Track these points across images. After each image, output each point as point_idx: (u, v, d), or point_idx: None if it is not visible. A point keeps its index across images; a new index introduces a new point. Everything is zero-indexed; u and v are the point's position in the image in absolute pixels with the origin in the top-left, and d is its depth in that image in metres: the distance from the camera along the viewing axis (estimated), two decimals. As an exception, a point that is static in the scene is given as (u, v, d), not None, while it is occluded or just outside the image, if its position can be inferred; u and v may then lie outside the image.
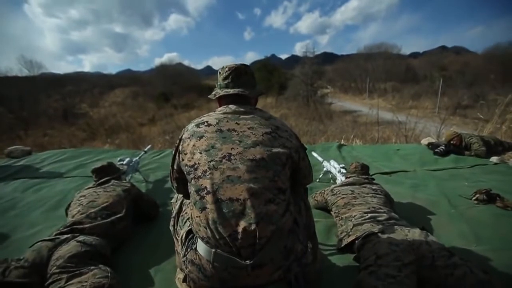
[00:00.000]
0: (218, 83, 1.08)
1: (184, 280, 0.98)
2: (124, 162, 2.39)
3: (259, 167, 0.86)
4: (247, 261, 0.79)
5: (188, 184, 0.91)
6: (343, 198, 1.66)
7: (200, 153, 0.88)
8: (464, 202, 1.95)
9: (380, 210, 1.51)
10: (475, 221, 1.71)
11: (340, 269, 1.34)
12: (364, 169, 1.98)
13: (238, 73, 1.04)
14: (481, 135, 3.24)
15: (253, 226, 0.79)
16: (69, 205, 1.70)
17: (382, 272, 1.08)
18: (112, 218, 1.51)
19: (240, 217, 0.80)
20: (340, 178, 2.13)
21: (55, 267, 1.15)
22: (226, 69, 1.05)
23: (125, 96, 21.14)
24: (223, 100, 1.05)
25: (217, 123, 0.94)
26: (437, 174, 2.55)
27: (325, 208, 1.85)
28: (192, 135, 0.93)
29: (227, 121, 0.94)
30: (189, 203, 1.05)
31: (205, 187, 0.84)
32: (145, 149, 3.03)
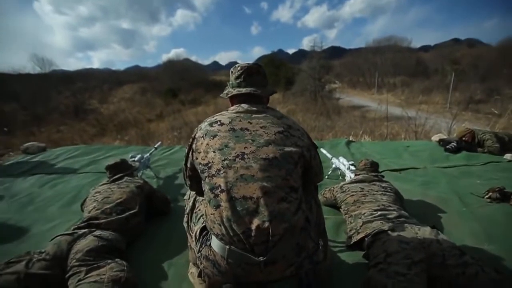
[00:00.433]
0: (230, 82, 1.09)
1: (199, 275, 1.01)
2: (136, 159, 2.44)
3: (272, 166, 0.87)
4: (260, 257, 0.81)
5: (202, 182, 0.93)
6: (353, 195, 1.67)
7: (214, 152, 0.90)
8: (476, 200, 1.93)
9: (390, 208, 1.51)
10: (487, 220, 1.69)
11: (349, 266, 1.36)
12: (373, 166, 1.97)
13: (250, 73, 1.05)
14: (495, 131, 3.16)
15: (266, 224, 0.81)
16: (84, 200, 1.76)
17: (391, 270, 1.09)
18: (127, 213, 1.56)
19: (253, 215, 0.82)
20: (349, 175, 2.13)
21: (74, 260, 1.20)
22: (239, 68, 1.06)
23: (134, 92, 21.39)
24: (235, 99, 1.07)
25: (230, 122, 0.95)
26: (448, 171, 2.52)
27: (334, 205, 1.86)
28: (205, 134, 0.95)
29: (240, 120, 0.96)
30: (202, 200, 1.08)
31: (219, 186, 0.86)
32: (155, 146, 3.08)
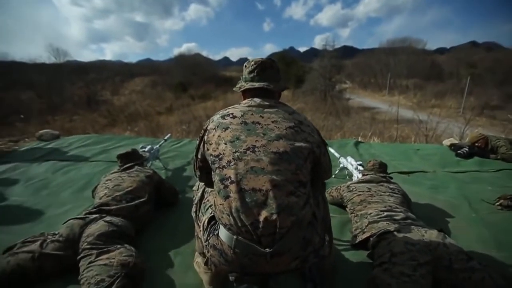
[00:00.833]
0: (243, 76, 1.10)
1: (206, 264, 1.03)
2: (146, 149, 2.49)
3: (282, 160, 0.88)
4: (267, 249, 0.82)
5: (212, 173, 0.95)
6: (359, 195, 1.66)
7: (225, 144, 0.92)
8: (486, 207, 1.89)
9: (396, 209, 1.50)
10: (497, 226, 1.66)
11: (354, 265, 1.36)
12: (382, 167, 1.96)
13: (263, 67, 1.06)
14: (510, 138, 3.08)
15: (274, 216, 0.82)
16: (95, 187, 1.82)
17: (396, 270, 1.09)
18: (136, 201, 1.60)
19: (262, 207, 0.83)
20: (357, 175, 2.12)
21: (86, 243, 1.25)
22: (252, 62, 1.07)
23: (145, 84, 21.66)
24: (248, 93, 1.08)
25: (242, 116, 0.97)
26: (458, 176, 2.47)
27: (340, 204, 1.86)
28: (217, 126, 0.97)
29: (252, 114, 0.97)
30: (211, 191, 1.10)
31: (229, 177, 0.88)
32: (165, 138, 3.13)
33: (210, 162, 0.96)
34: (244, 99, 1.08)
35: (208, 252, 0.95)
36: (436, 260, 1.13)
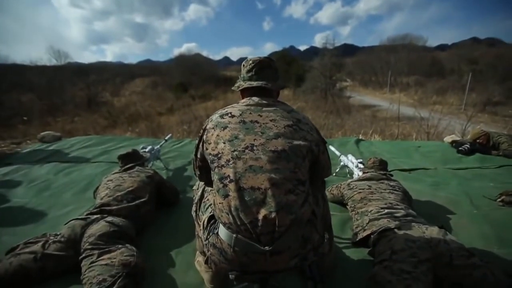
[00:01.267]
0: (242, 76, 1.10)
1: (206, 262, 1.04)
2: (147, 150, 2.50)
3: (280, 158, 0.88)
4: (266, 247, 0.83)
5: (212, 172, 0.96)
6: (360, 192, 1.66)
7: (224, 143, 0.92)
8: (488, 203, 1.89)
9: (397, 207, 1.50)
10: (498, 223, 1.65)
11: (354, 263, 1.36)
12: (382, 164, 1.95)
13: (261, 66, 1.06)
14: (511, 134, 3.06)
15: (273, 215, 0.82)
16: (97, 188, 1.83)
17: (397, 267, 1.09)
18: (137, 202, 1.61)
19: (261, 205, 0.84)
20: (357, 173, 2.12)
21: (87, 244, 1.25)
22: (250, 62, 1.08)
23: (145, 85, 21.69)
24: (246, 92, 1.08)
25: (240, 115, 0.97)
26: (460, 173, 2.47)
27: (340, 202, 1.86)
28: (216, 126, 0.97)
29: (250, 113, 0.97)
30: (211, 190, 1.10)
31: (228, 176, 0.88)
32: (166, 138, 3.14)
33: (209, 161, 0.97)
34: (243, 98, 1.08)
35: (208, 251, 0.95)
36: (437, 257, 1.13)
